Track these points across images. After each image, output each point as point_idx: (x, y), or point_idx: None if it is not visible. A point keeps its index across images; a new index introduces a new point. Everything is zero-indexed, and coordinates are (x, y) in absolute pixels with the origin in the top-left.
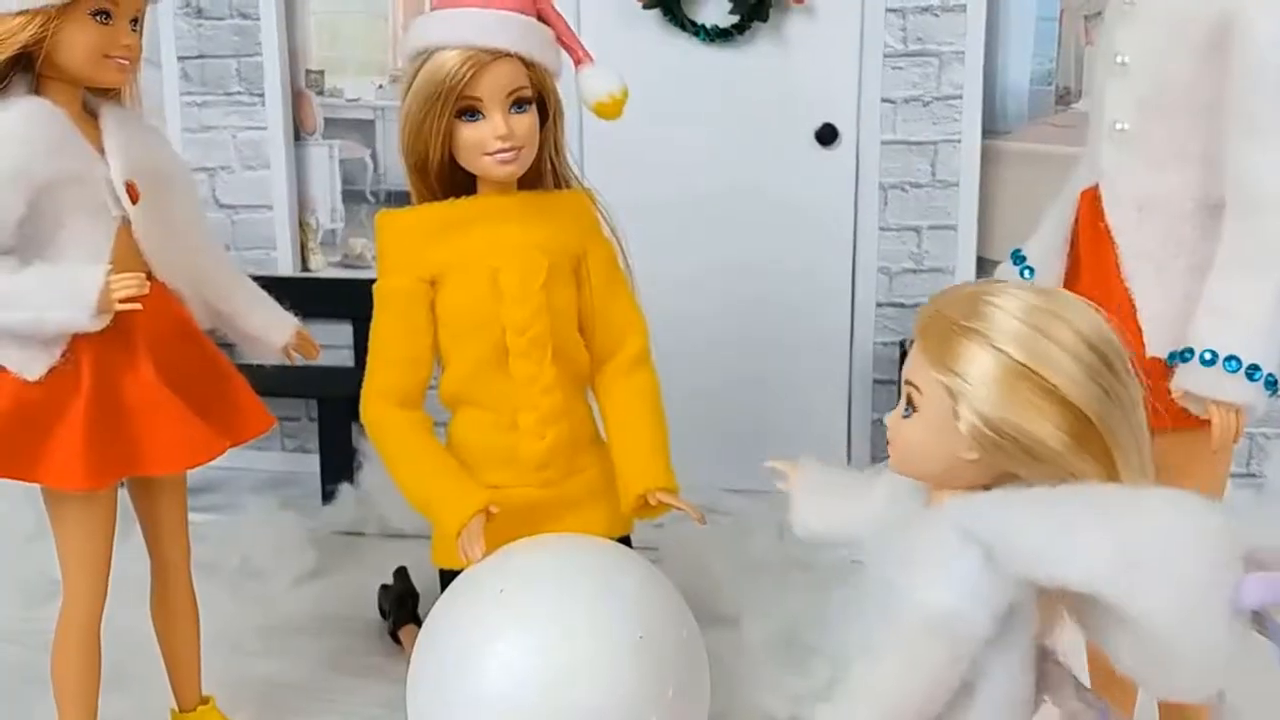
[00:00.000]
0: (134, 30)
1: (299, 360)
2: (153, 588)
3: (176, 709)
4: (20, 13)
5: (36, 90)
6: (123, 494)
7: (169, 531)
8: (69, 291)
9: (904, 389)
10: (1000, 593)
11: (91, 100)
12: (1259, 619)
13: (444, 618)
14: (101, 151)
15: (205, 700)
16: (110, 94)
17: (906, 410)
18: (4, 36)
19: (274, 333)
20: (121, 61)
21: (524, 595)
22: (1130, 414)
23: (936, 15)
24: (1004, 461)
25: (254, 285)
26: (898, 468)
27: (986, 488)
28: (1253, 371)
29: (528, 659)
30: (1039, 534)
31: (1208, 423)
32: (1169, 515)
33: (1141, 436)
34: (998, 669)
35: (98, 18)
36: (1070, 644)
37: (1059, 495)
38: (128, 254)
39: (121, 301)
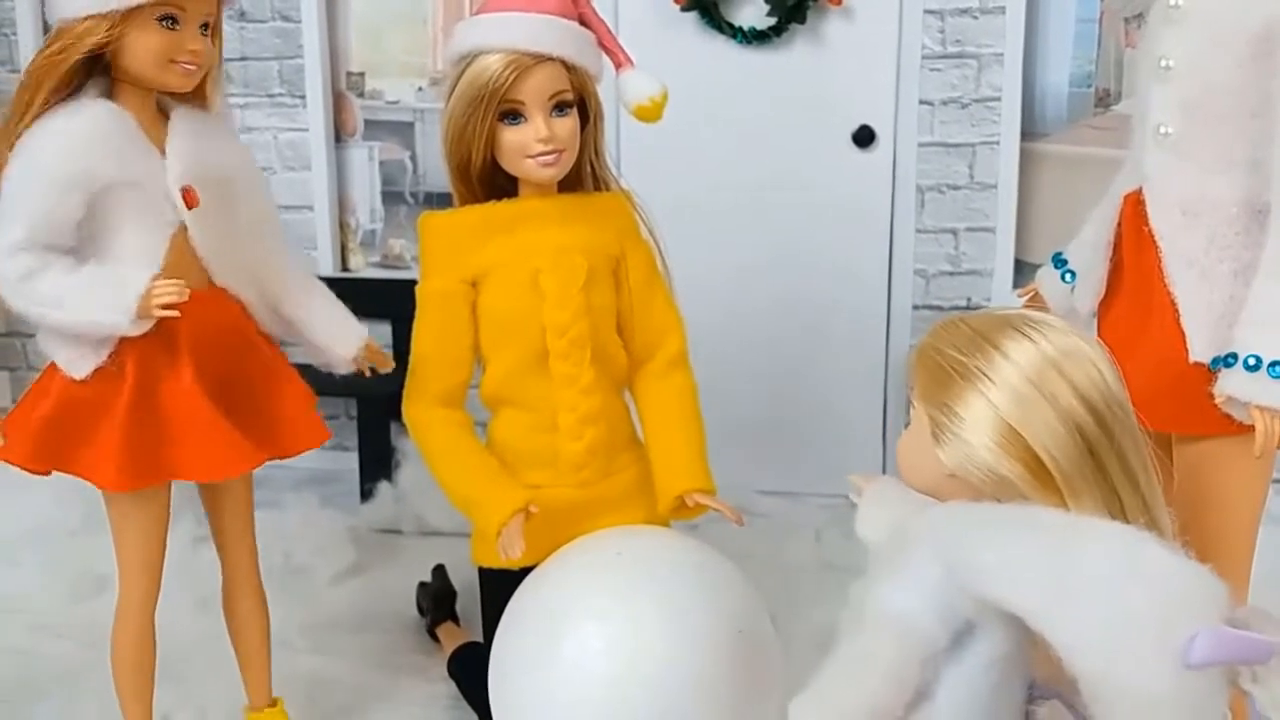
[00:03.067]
0: (204, 34)
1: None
2: (224, 587)
3: (248, 707)
4: (87, 17)
5: (109, 93)
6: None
7: (234, 534)
8: (112, 295)
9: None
10: (955, 605)
11: (167, 104)
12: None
13: (549, 574)
14: (165, 156)
15: (274, 702)
16: (192, 97)
17: (908, 421)
18: (71, 41)
19: (341, 343)
20: (188, 67)
21: (640, 564)
22: (1109, 467)
23: (975, 17)
24: (982, 490)
25: (326, 293)
26: (904, 476)
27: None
28: None
29: (631, 632)
30: (988, 553)
31: (1251, 428)
32: (1113, 553)
33: (1119, 483)
34: (957, 682)
35: (164, 23)
36: None
37: (1013, 517)
38: (183, 259)
39: (162, 308)
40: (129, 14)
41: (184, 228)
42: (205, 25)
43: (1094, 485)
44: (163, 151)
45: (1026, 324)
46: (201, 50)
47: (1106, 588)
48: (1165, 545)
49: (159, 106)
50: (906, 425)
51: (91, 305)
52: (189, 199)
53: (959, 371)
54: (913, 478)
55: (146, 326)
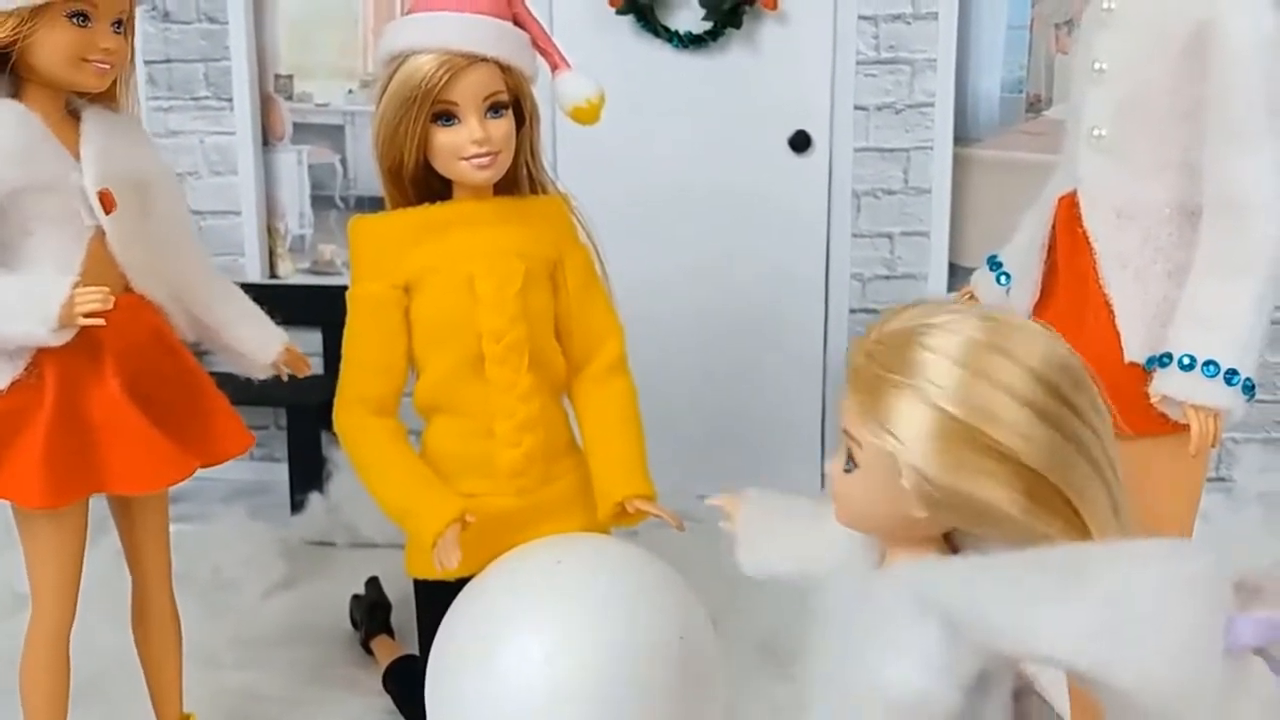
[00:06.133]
0: (117, 33)
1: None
2: (133, 603)
3: None
4: None
5: (16, 93)
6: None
7: (149, 548)
8: (30, 304)
9: (842, 439)
10: (966, 663)
11: (77, 104)
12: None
13: (488, 583)
14: (79, 158)
15: (186, 717)
16: (103, 97)
17: (848, 464)
18: None
19: (261, 348)
20: (101, 66)
21: (581, 572)
22: (1094, 450)
23: (908, 23)
24: (955, 521)
25: (243, 298)
26: (844, 522)
27: (947, 537)
28: (1231, 376)
29: (572, 639)
30: (1004, 607)
31: (1185, 427)
32: (1145, 574)
33: (1109, 473)
34: None
35: (75, 20)
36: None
37: (1023, 563)
38: (101, 264)
39: (85, 316)
40: (38, 10)
41: (101, 232)
42: (119, 22)
43: (1087, 475)
44: (75, 154)
45: (946, 317)
46: (115, 49)
47: (1158, 613)
48: (1173, 543)
49: (68, 107)
50: (848, 470)
51: (9, 316)
52: (106, 203)
53: (894, 384)
54: (867, 521)
55: (68, 336)
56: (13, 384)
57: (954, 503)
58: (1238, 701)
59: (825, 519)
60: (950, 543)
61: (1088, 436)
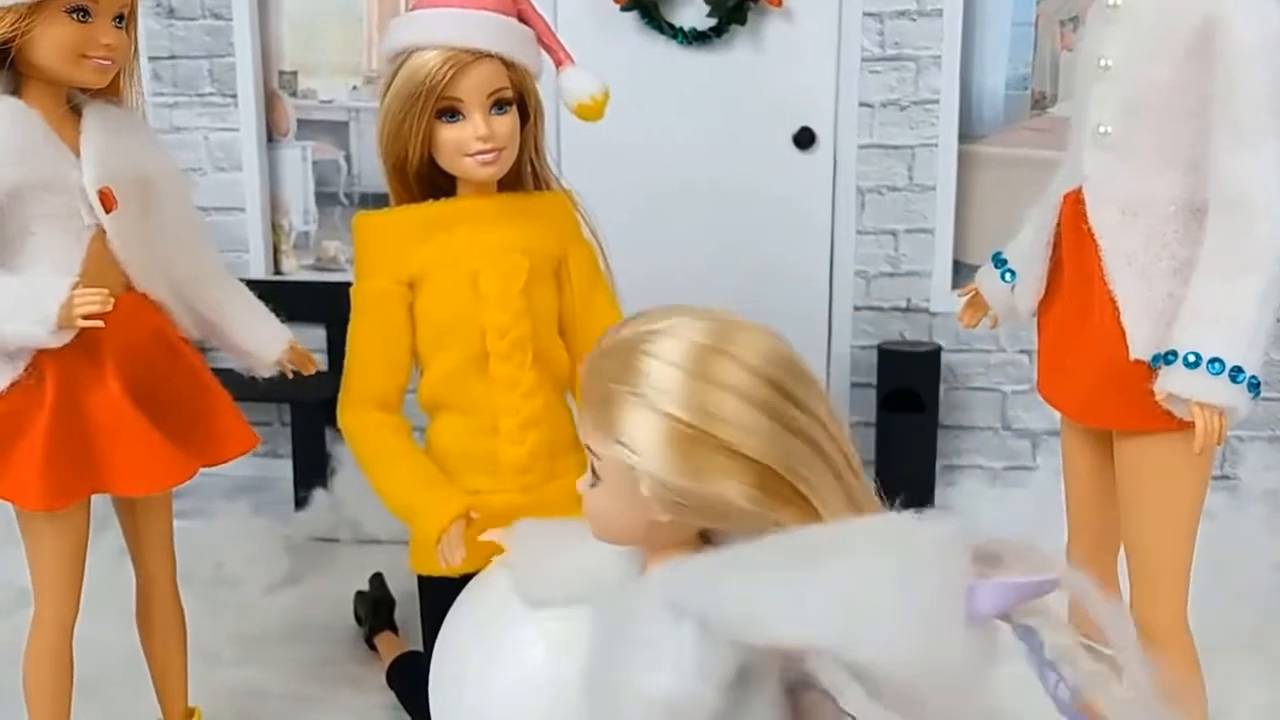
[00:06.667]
0: (119, 28)
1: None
2: (137, 599)
3: None
4: None
5: (16, 90)
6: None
7: (153, 546)
8: (29, 305)
9: (587, 454)
10: (723, 662)
11: (79, 100)
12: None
13: (493, 580)
14: (79, 156)
15: (191, 713)
16: (106, 92)
17: (593, 479)
18: None
19: (266, 346)
20: (102, 62)
21: None
22: (820, 441)
23: (913, 20)
24: (699, 521)
25: (248, 296)
26: (600, 537)
27: (705, 537)
28: (1236, 374)
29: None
30: (746, 598)
31: (1190, 425)
32: (878, 550)
33: (839, 461)
34: None
35: (75, 15)
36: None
37: (760, 552)
38: (102, 263)
39: (84, 318)
40: (37, 5)
41: (102, 231)
42: (120, 17)
43: (813, 464)
44: (76, 151)
45: (670, 323)
46: (116, 44)
47: (894, 586)
48: (907, 518)
49: (70, 103)
50: (592, 484)
51: (7, 316)
52: (107, 201)
53: (623, 395)
54: (619, 533)
55: (68, 338)
56: (12, 385)
57: (692, 504)
58: (984, 669)
59: (593, 543)
60: (709, 542)
61: (813, 428)
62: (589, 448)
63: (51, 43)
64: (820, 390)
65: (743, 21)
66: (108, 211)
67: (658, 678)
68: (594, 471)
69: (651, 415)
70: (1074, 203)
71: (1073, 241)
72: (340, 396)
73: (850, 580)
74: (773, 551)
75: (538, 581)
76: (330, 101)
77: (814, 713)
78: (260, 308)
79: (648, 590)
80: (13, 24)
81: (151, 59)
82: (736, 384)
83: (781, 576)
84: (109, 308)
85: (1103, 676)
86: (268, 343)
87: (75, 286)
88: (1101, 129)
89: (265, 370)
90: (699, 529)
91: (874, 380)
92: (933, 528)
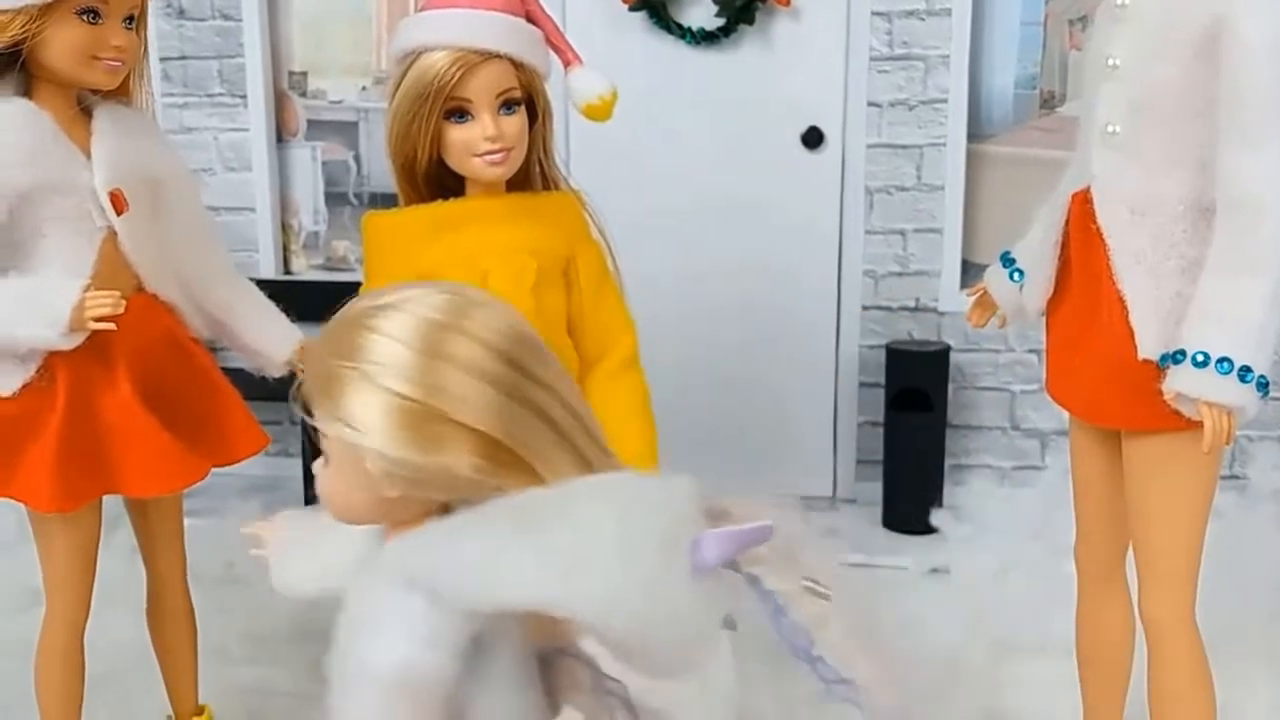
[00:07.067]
0: (129, 29)
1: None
2: (148, 598)
3: (172, 718)
4: (1, 11)
5: (26, 92)
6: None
7: (164, 544)
8: (41, 307)
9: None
10: (455, 629)
11: (90, 101)
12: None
13: None
14: (90, 157)
15: (201, 710)
16: (116, 94)
17: (325, 460)
18: None
19: (277, 346)
20: (112, 64)
21: None
22: (555, 415)
23: (922, 19)
24: (427, 493)
25: (259, 296)
26: (338, 518)
27: (448, 510)
28: (1245, 373)
29: None
30: (469, 564)
31: (1198, 424)
32: (599, 507)
33: (576, 435)
34: (483, 697)
35: (85, 17)
36: None
37: (482, 517)
38: (114, 265)
39: (96, 320)
40: (47, 7)
41: (113, 233)
42: (130, 19)
43: (544, 435)
44: (87, 153)
45: (402, 298)
46: (126, 46)
47: (613, 542)
48: (631, 474)
49: (80, 105)
50: (325, 464)
51: (19, 319)
52: (118, 203)
53: (344, 372)
54: (353, 511)
55: (79, 340)
56: (24, 387)
57: (417, 476)
58: (713, 618)
59: (347, 532)
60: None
61: (545, 400)
62: (315, 427)
63: (62, 44)
64: (559, 368)
65: (751, 21)
66: (119, 213)
67: (390, 650)
68: (324, 451)
69: (373, 391)
70: (1082, 202)
71: (1081, 241)
72: None
73: (571, 539)
74: (494, 516)
75: (293, 571)
76: (340, 102)
77: (570, 679)
78: (271, 308)
79: (381, 565)
80: (23, 26)
81: (161, 60)
82: (465, 358)
83: (502, 540)
84: (120, 310)
85: (822, 617)
86: (278, 343)
87: (87, 289)
88: (1110, 128)
89: (276, 370)
90: (438, 503)
91: (882, 380)
92: (655, 484)
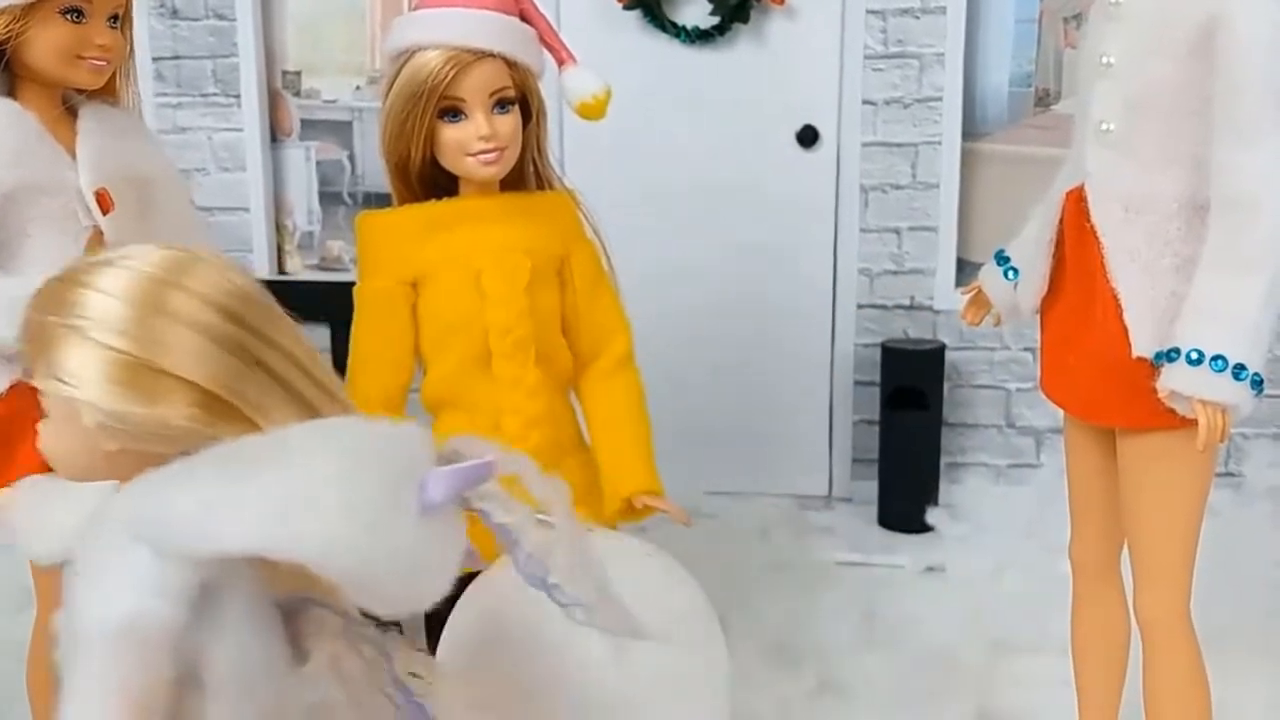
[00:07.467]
0: (113, 28)
1: None
2: None
3: None
4: None
5: (10, 91)
6: None
7: None
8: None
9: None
10: (181, 577)
11: (76, 101)
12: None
13: (495, 579)
14: (75, 157)
15: None
16: (102, 93)
17: (46, 417)
18: None
19: None
20: (97, 63)
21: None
22: (280, 370)
23: (917, 17)
24: (144, 445)
25: None
26: (63, 474)
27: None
28: (1239, 371)
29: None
30: (184, 510)
31: (1193, 422)
32: (315, 449)
33: (304, 388)
34: (216, 645)
35: (68, 16)
36: None
37: (198, 462)
38: None
39: None
40: (30, 7)
41: (99, 234)
42: (115, 17)
43: (268, 389)
44: (72, 153)
45: (122, 255)
46: (111, 45)
47: (326, 484)
48: (360, 418)
49: (65, 104)
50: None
51: (4, 320)
52: (103, 203)
53: (58, 328)
54: (76, 468)
55: None
56: (12, 387)
57: (135, 430)
58: (446, 553)
59: (88, 492)
60: None
61: (271, 356)
62: (34, 386)
63: (46, 44)
64: (288, 324)
65: (745, 20)
66: (105, 213)
67: (115, 601)
68: (44, 409)
69: (87, 345)
70: (1077, 200)
71: (1075, 239)
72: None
73: (289, 481)
74: (212, 461)
75: (41, 537)
76: (334, 101)
77: (318, 627)
78: None
79: (104, 517)
80: (6, 25)
81: (155, 59)
82: (183, 312)
83: (219, 485)
84: None
85: (548, 546)
86: None
87: None
88: (1104, 126)
89: None
90: (163, 456)
91: (878, 378)
92: (379, 427)
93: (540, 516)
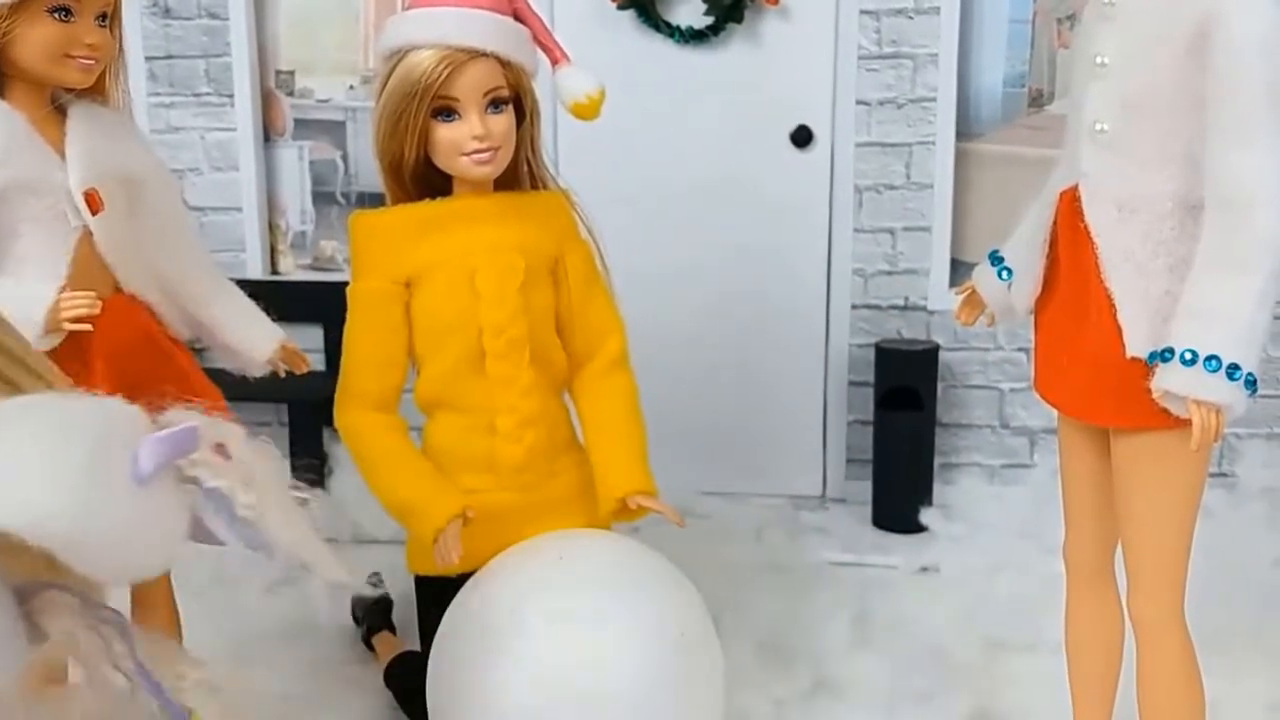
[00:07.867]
0: (102, 26)
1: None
2: (133, 600)
3: None
4: None
5: (1, 91)
6: None
7: None
8: (16, 310)
9: None
10: None
11: (65, 100)
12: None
13: (490, 579)
14: (64, 157)
15: (189, 713)
16: (91, 92)
17: None
18: None
19: (257, 346)
20: (85, 62)
21: (582, 568)
22: None
23: (910, 18)
24: None
25: (239, 295)
26: None
27: None
28: (1233, 371)
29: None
30: None
31: (1187, 423)
32: (13, 424)
33: (28, 380)
34: None
35: (56, 15)
36: None
37: None
38: (90, 265)
39: (72, 321)
40: (18, 6)
41: (88, 233)
42: (103, 16)
43: None
44: (61, 153)
45: None
46: (100, 43)
47: (25, 460)
48: (67, 393)
49: (54, 103)
50: None
51: None
52: (92, 203)
53: None
54: None
55: (55, 342)
56: None
57: None
58: (163, 522)
59: None
60: None
61: None
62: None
63: (34, 43)
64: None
65: (740, 20)
66: (94, 213)
67: None
68: None
69: None
70: (1071, 200)
71: (1070, 239)
72: (337, 396)
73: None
74: None
75: None
76: (327, 101)
77: (54, 608)
78: (251, 307)
79: None
80: None
81: (148, 59)
82: None
83: None
84: (96, 310)
85: (261, 507)
86: (259, 342)
87: (62, 290)
88: (1098, 126)
89: (257, 370)
90: None
91: (872, 378)
92: (85, 402)
93: (245, 478)
